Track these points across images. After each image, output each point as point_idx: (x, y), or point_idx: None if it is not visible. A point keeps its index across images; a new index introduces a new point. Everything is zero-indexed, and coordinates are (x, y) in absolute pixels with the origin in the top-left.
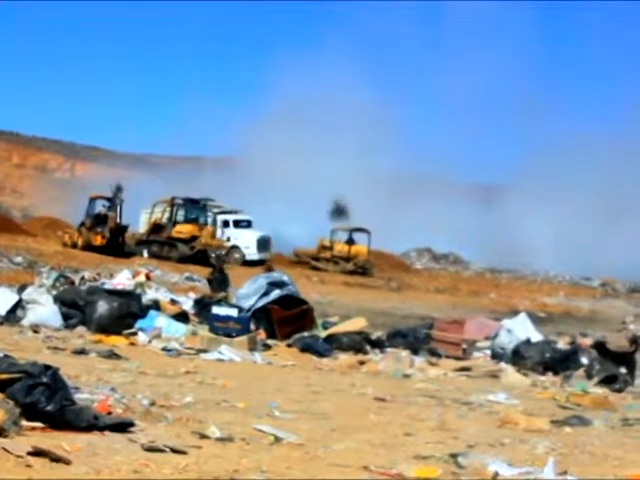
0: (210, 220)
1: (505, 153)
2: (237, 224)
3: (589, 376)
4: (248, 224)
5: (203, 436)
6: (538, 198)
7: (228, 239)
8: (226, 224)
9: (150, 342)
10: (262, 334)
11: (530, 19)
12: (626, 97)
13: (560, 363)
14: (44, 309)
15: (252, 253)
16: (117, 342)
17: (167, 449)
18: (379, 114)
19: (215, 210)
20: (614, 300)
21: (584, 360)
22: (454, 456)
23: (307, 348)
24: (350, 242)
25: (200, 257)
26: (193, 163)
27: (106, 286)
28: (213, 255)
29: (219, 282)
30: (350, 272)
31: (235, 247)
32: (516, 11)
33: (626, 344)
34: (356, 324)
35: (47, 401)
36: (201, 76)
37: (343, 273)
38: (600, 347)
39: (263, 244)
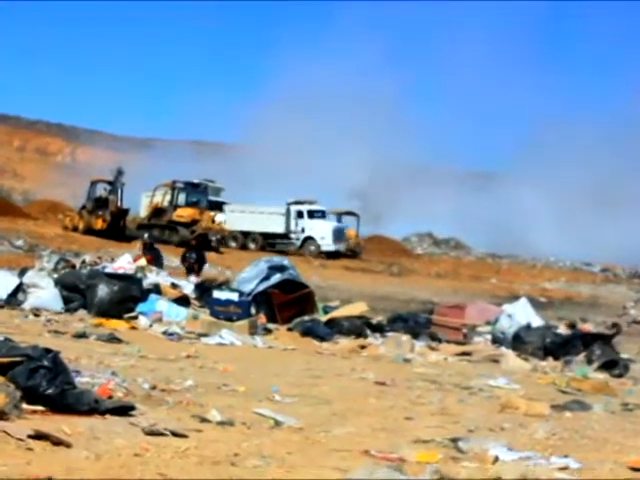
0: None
1: (503, 140)
2: (311, 214)
3: (589, 361)
4: (322, 214)
5: (204, 420)
6: (536, 184)
7: (303, 230)
8: (300, 215)
9: (151, 326)
10: (263, 318)
11: (524, 13)
12: (622, 82)
13: (560, 348)
14: (45, 293)
15: (328, 244)
16: (118, 326)
17: (168, 433)
18: (380, 103)
19: (289, 200)
20: (615, 286)
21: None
22: (454, 440)
23: (308, 332)
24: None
25: (201, 241)
26: (195, 147)
27: (107, 270)
28: (193, 235)
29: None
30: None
31: (310, 238)
32: (512, 6)
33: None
34: (357, 308)
35: (48, 384)
36: (204, 61)
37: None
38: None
39: (338, 234)
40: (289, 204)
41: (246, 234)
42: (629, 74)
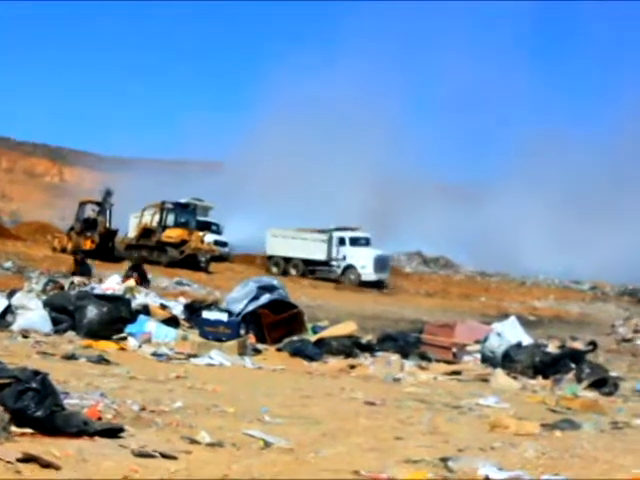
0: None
1: (491, 157)
2: (354, 242)
3: (579, 380)
4: (366, 242)
5: (193, 441)
6: (524, 202)
7: (344, 258)
8: (342, 242)
9: (140, 347)
10: (252, 338)
11: (509, 23)
12: (611, 97)
13: (550, 367)
14: (33, 314)
15: (368, 273)
16: (107, 347)
17: (157, 454)
18: (366, 117)
19: (331, 227)
20: (603, 303)
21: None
22: (444, 460)
23: (297, 352)
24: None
25: (190, 261)
26: (181, 166)
27: (96, 291)
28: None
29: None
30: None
31: (350, 267)
32: (496, 16)
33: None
34: (346, 328)
35: (37, 407)
36: (190, 79)
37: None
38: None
39: (381, 263)
40: (331, 230)
41: (287, 260)
42: (618, 89)
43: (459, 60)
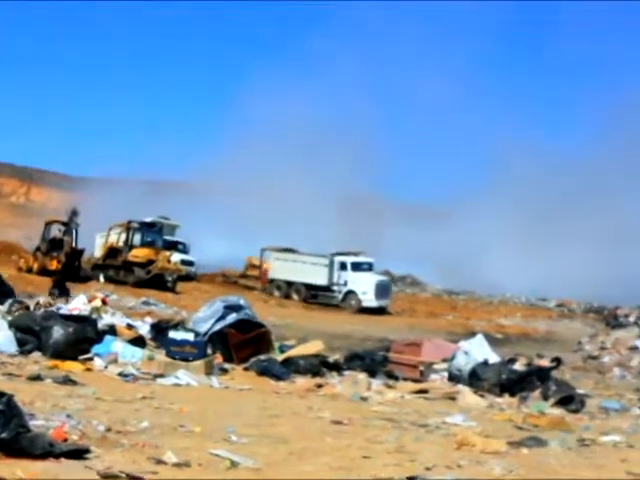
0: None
1: (456, 174)
2: (356, 267)
3: (545, 397)
4: (369, 267)
5: (159, 461)
6: (490, 218)
7: (345, 283)
8: (343, 266)
9: (106, 367)
10: (219, 358)
11: (474, 40)
12: (580, 112)
13: (517, 384)
14: None
15: (369, 299)
16: (73, 368)
17: (123, 475)
18: (332, 137)
19: (332, 252)
20: (570, 321)
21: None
22: (412, 479)
23: (264, 372)
24: None
25: (157, 281)
26: (149, 187)
27: (62, 311)
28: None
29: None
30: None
31: (351, 292)
32: (460, 31)
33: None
34: (313, 347)
35: (2, 428)
36: (157, 99)
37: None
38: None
39: (382, 289)
40: (332, 255)
41: (290, 284)
42: (585, 102)
43: (425, 77)
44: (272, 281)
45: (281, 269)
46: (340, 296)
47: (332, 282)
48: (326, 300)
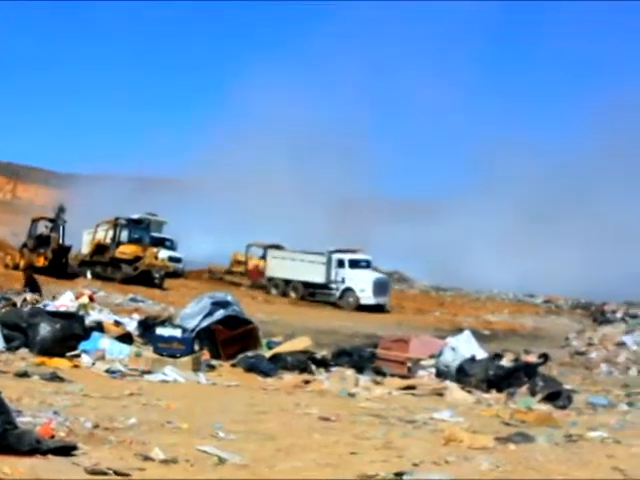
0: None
1: (443, 171)
2: (354, 264)
3: (533, 393)
4: (367, 264)
5: (147, 458)
6: (477, 214)
7: (342, 280)
8: (341, 264)
9: (94, 364)
10: (206, 354)
11: (458, 39)
12: (565, 108)
13: (504, 380)
14: None
15: (367, 297)
16: (60, 364)
17: (110, 472)
18: (319, 134)
19: (331, 248)
20: (557, 317)
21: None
22: (399, 475)
23: (252, 368)
24: (264, 257)
25: (144, 278)
26: (138, 184)
27: (49, 308)
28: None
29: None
30: (264, 287)
31: (349, 290)
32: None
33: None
34: (301, 343)
35: None
36: (147, 96)
37: (256, 287)
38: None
39: (380, 287)
40: (330, 252)
41: (287, 282)
42: (571, 98)
43: (417, 76)
44: (270, 279)
45: (278, 267)
46: (338, 294)
47: (330, 280)
48: (324, 298)
